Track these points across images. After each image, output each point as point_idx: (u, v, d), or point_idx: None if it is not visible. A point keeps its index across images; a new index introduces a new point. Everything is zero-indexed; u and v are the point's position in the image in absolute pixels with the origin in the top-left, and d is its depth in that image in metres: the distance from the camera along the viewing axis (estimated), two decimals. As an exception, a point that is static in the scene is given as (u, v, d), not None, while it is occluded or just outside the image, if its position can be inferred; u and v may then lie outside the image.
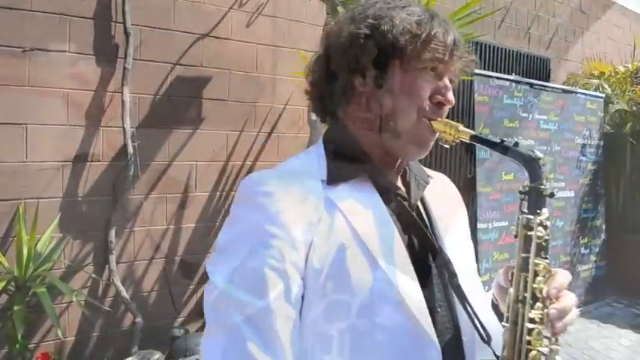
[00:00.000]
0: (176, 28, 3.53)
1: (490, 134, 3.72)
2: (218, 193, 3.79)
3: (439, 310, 0.95)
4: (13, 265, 2.81)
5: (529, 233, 0.86)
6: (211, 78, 3.70)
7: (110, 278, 3.25)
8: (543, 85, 5.21)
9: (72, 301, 3.04)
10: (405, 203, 0.99)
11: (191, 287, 3.68)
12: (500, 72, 5.06)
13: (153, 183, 3.49)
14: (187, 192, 3.64)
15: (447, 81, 0.97)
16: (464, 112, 4.82)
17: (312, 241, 0.87)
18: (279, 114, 4.06)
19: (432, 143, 0.98)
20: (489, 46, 5.61)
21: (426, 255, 0.97)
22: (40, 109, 3.07)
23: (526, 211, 0.86)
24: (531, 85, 5.00)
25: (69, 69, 3.15)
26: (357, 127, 1.00)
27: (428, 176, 1.08)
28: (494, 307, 1.00)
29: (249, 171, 3.93)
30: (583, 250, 5.63)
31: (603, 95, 6.01)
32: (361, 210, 0.92)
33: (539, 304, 0.85)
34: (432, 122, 0.95)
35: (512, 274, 0.88)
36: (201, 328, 3.64)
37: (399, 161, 1.02)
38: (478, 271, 1.16)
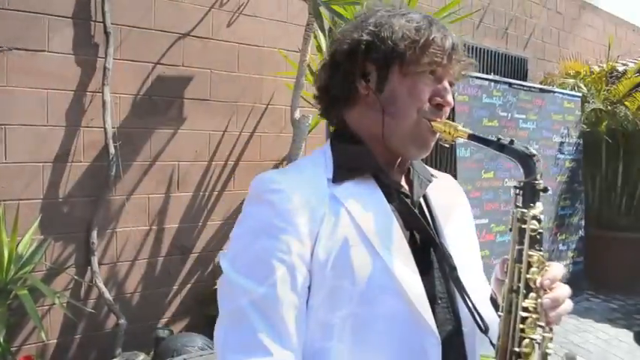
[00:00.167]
0: (157, 28, 3.51)
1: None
2: (201, 193, 3.78)
3: (440, 301, 0.99)
4: (-6, 267, 2.78)
5: (523, 226, 0.90)
6: (193, 77, 3.69)
7: (92, 280, 3.22)
8: (522, 85, 5.29)
9: (54, 304, 3.01)
10: (408, 200, 1.03)
11: (174, 288, 3.66)
12: (479, 72, 5.13)
13: (135, 183, 3.47)
14: (169, 192, 3.62)
15: (446, 84, 1.01)
16: (444, 112, 4.86)
17: (317, 235, 0.92)
18: (261, 113, 4.07)
19: (432, 143, 1.03)
20: (468, 46, 5.66)
21: (428, 249, 1.02)
22: (18, 110, 3.03)
23: (520, 205, 0.90)
24: (510, 84, 5.07)
25: (48, 69, 3.11)
26: (361, 128, 1.05)
27: (431, 175, 1.13)
28: (493, 300, 1.04)
29: (232, 171, 3.92)
30: (561, 247, 5.73)
31: (580, 94, 6.12)
32: (364, 206, 0.97)
33: (532, 294, 0.89)
34: (432, 123, 0.99)
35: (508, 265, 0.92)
36: (186, 329, 3.64)
37: (401, 160, 1.06)
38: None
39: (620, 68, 6.80)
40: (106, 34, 3.25)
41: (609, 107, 6.19)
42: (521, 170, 0.91)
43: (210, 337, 3.15)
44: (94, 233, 3.24)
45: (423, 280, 0.96)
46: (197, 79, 3.71)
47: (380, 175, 1.02)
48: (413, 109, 0.99)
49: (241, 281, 0.91)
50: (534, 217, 0.89)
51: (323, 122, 4.09)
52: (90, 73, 3.27)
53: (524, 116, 5.18)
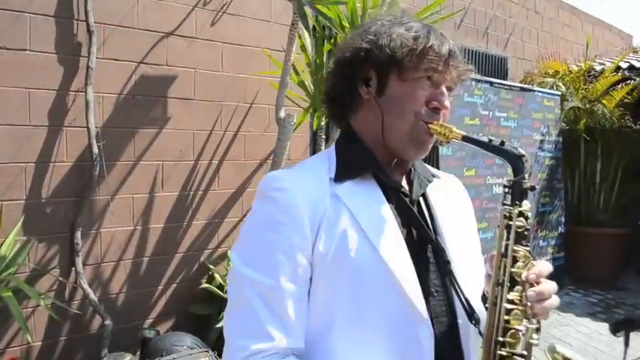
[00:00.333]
0: (140, 27, 3.49)
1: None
2: (185, 193, 3.76)
3: (436, 294, 1.04)
4: (-24, 269, 2.74)
5: (509, 222, 0.95)
6: (177, 77, 3.68)
7: (77, 280, 3.19)
8: (502, 84, 5.37)
9: (38, 306, 2.98)
10: (407, 199, 1.09)
11: (160, 288, 3.65)
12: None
13: (119, 183, 3.44)
14: (154, 192, 3.60)
15: (443, 89, 1.06)
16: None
17: (318, 230, 0.98)
18: (246, 113, 4.07)
19: (430, 144, 1.08)
20: (450, 46, 5.71)
21: (425, 245, 1.07)
22: (0, 109, 2.99)
23: (507, 202, 0.96)
24: (491, 83, 5.14)
25: (30, 68, 3.08)
26: (364, 131, 1.11)
27: (433, 175, 1.18)
28: (484, 296, 1.08)
29: (217, 170, 3.92)
30: (542, 243, 5.82)
31: (559, 93, 6.23)
32: (363, 204, 1.03)
33: (518, 288, 0.93)
34: (429, 125, 1.04)
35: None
36: (172, 328, 3.62)
37: (401, 161, 1.12)
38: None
39: (598, 67, 6.93)
40: (89, 32, 3.22)
41: (587, 105, 6.30)
42: (511, 170, 0.96)
43: (198, 336, 3.16)
44: (78, 234, 3.21)
45: (419, 274, 1.01)
46: (181, 78, 3.70)
47: (380, 175, 1.08)
48: (410, 112, 1.04)
49: (247, 272, 0.98)
50: (521, 214, 0.94)
51: (307, 121, 4.11)
52: (72, 72, 3.24)
53: (505, 114, 5.26)
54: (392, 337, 0.97)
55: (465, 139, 1.01)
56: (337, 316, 0.97)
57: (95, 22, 3.24)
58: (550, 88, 6.31)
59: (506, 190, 0.96)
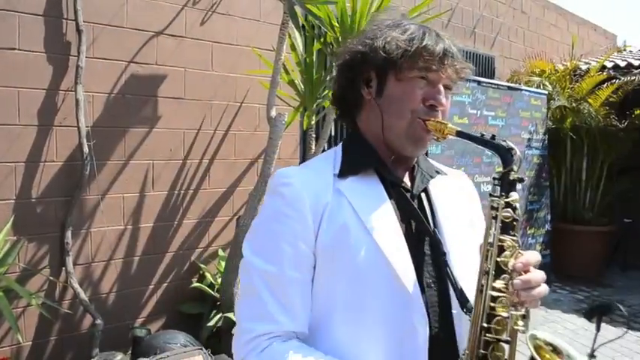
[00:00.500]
0: (129, 26, 3.49)
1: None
2: (175, 192, 3.77)
3: (432, 285, 1.09)
4: (-34, 269, 2.73)
5: (496, 213, 0.99)
6: (167, 76, 3.68)
7: (67, 280, 3.18)
8: (490, 83, 5.42)
9: (28, 305, 2.97)
10: (408, 194, 1.14)
11: (151, 287, 3.65)
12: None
13: (109, 183, 3.44)
14: (144, 191, 3.60)
15: (440, 87, 1.10)
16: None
17: (320, 222, 1.05)
18: (236, 112, 4.07)
19: (427, 140, 1.12)
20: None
21: (423, 238, 1.12)
22: (-11, 109, 2.98)
23: (495, 194, 1.00)
24: (479, 82, 5.19)
25: (19, 67, 3.07)
26: (367, 129, 1.18)
27: (437, 172, 1.22)
28: None
29: (207, 169, 3.93)
30: (530, 240, 5.89)
31: (546, 92, 6.29)
32: (364, 198, 1.09)
33: (505, 276, 0.96)
34: (426, 122, 1.08)
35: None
36: (163, 327, 3.63)
37: (403, 158, 1.16)
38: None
39: (584, 67, 7.02)
40: (79, 31, 3.22)
41: (573, 104, 6.37)
42: (501, 162, 1.00)
43: (190, 334, 3.16)
44: (69, 233, 3.21)
45: (416, 265, 1.07)
46: (171, 77, 3.70)
47: (382, 171, 1.14)
48: (407, 110, 1.09)
49: (255, 261, 1.06)
50: (508, 205, 0.98)
51: (297, 120, 4.13)
52: (62, 71, 3.23)
53: (493, 113, 5.31)
54: (389, 324, 1.03)
55: (459, 134, 1.06)
56: (338, 303, 1.04)
57: (84, 21, 3.24)
58: (537, 87, 6.38)
59: (495, 181, 1.01)
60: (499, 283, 0.96)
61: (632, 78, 6.30)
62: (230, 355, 3.15)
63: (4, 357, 2.78)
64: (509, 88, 5.71)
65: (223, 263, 3.69)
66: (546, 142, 6.27)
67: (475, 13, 6.50)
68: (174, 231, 3.77)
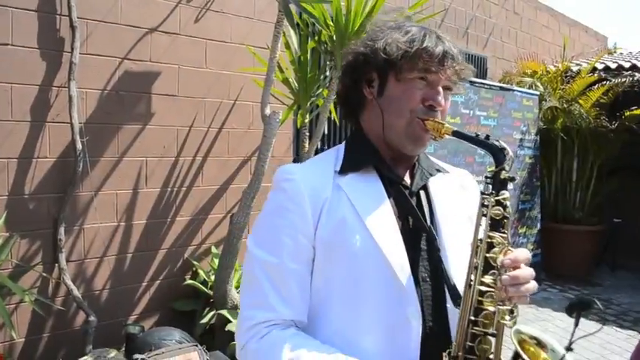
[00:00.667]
0: (123, 22, 3.48)
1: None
2: (169, 189, 3.76)
3: (427, 280, 1.12)
4: (-42, 265, 2.72)
5: (486, 210, 1.02)
6: (160, 73, 3.67)
7: (60, 277, 3.17)
8: (482, 83, 5.46)
9: (21, 302, 2.96)
10: (406, 191, 1.17)
11: (144, 284, 3.64)
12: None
13: (102, 179, 3.43)
14: (137, 188, 3.60)
15: (439, 88, 1.13)
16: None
17: (319, 216, 1.09)
18: (229, 110, 4.07)
19: (426, 139, 1.15)
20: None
21: (419, 234, 1.15)
22: (-18, 104, 2.97)
23: (485, 191, 1.03)
24: (471, 82, 5.22)
25: (12, 62, 3.05)
26: (369, 128, 1.21)
27: (438, 170, 1.25)
28: None
29: (200, 166, 3.92)
30: (521, 240, 5.93)
31: (538, 93, 6.34)
32: (362, 193, 1.13)
33: (494, 272, 0.99)
34: (424, 122, 1.12)
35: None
36: (156, 324, 3.62)
37: (403, 156, 1.19)
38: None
39: (575, 68, 7.07)
40: (72, 28, 3.20)
41: (565, 105, 6.42)
42: (493, 161, 1.03)
43: (183, 331, 3.16)
44: (62, 230, 3.20)
45: (412, 260, 1.10)
46: (165, 74, 3.69)
47: (381, 168, 1.17)
48: (406, 109, 1.13)
49: (257, 253, 1.11)
50: (499, 203, 1.01)
51: (290, 118, 4.14)
52: (55, 67, 3.22)
53: (485, 113, 5.35)
54: (383, 315, 1.07)
55: (455, 133, 1.09)
56: (335, 295, 1.08)
57: (78, 18, 3.23)
58: (528, 88, 6.43)
59: (487, 180, 1.04)
60: (488, 279, 0.99)
61: (623, 80, 6.36)
62: (224, 351, 3.16)
63: (-3, 353, 2.76)
64: (502, 88, 5.75)
65: (216, 260, 3.69)
66: (538, 142, 6.32)
67: (468, 14, 6.53)
68: (168, 228, 3.77)
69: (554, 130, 6.56)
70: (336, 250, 1.08)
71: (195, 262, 3.86)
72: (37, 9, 3.13)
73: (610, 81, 6.43)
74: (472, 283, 1.00)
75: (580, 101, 6.38)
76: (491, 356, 0.99)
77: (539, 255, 6.21)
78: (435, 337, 1.09)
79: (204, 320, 3.49)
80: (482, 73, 6.71)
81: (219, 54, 3.98)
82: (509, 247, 1.00)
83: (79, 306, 3.21)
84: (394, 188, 1.16)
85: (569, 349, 1.01)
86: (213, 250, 3.95)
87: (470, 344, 0.99)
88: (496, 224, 1.01)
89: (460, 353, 1.00)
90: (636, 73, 6.39)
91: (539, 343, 1.03)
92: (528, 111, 6.05)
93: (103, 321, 3.30)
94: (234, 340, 3.34)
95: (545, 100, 6.46)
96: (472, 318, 0.99)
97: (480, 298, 0.99)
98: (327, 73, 3.65)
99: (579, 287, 6.16)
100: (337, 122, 4.55)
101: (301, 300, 1.09)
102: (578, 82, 6.48)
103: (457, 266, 1.12)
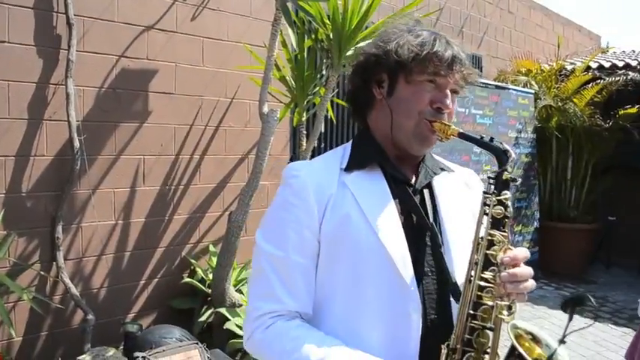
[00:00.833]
0: (120, 20, 3.47)
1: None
2: (166, 187, 3.76)
3: (430, 274, 1.15)
4: (-45, 263, 2.70)
5: (487, 209, 1.06)
6: (157, 71, 3.67)
7: (58, 275, 3.16)
8: (477, 81, 5.47)
9: (18, 300, 2.95)
10: (410, 189, 1.20)
11: (142, 282, 3.63)
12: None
13: (100, 177, 3.42)
14: (135, 186, 3.59)
15: (447, 91, 1.16)
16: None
17: (324, 212, 1.13)
18: (226, 108, 4.07)
19: (432, 140, 1.18)
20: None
21: (423, 230, 1.18)
22: (-22, 102, 2.95)
23: (487, 191, 1.07)
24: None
25: (9, 60, 3.04)
26: (376, 127, 1.24)
27: (442, 169, 1.28)
28: None
29: (198, 165, 3.92)
30: (517, 238, 5.96)
31: (533, 91, 6.37)
32: (367, 190, 1.16)
33: (494, 269, 1.02)
34: (432, 123, 1.15)
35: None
36: (154, 322, 3.62)
37: (408, 155, 1.22)
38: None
39: (569, 67, 7.11)
40: (69, 25, 3.19)
41: (559, 104, 6.46)
42: (496, 162, 1.08)
43: (183, 328, 3.15)
44: (59, 228, 3.19)
45: (415, 255, 1.13)
46: (161, 72, 3.69)
47: (386, 167, 1.20)
48: (415, 111, 1.16)
49: (264, 246, 1.15)
50: (500, 203, 1.05)
51: (287, 116, 4.14)
52: (52, 65, 3.21)
53: (481, 112, 5.37)
54: (385, 309, 1.10)
55: (461, 135, 1.13)
56: (338, 288, 1.12)
57: (75, 15, 3.22)
58: (523, 87, 6.45)
59: (490, 180, 1.07)
60: (487, 275, 1.02)
61: (617, 79, 6.39)
62: (222, 349, 3.16)
63: (-5, 352, 2.75)
64: (497, 87, 5.77)
65: (214, 259, 3.69)
66: (534, 140, 6.34)
67: (463, 13, 6.56)
68: (165, 226, 3.76)
69: (549, 128, 6.59)
70: (340, 245, 1.11)
71: (193, 261, 3.86)
72: (33, 6, 3.12)
73: (604, 80, 6.46)
74: (472, 278, 1.03)
75: (574, 100, 6.41)
76: (489, 350, 1.02)
77: (535, 253, 6.24)
78: (436, 331, 1.11)
79: (202, 318, 3.49)
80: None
81: (216, 52, 3.97)
82: (509, 246, 1.04)
83: (77, 304, 3.20)
84: (398, 186, 1.19)
85: (562, 341, 1.02)
86: (211, 248, 3.95)
87: (468, 337, 1.03)
88: (497, 223, 1.04)
89: (458, 346, 1.03)
90: (630, 72, 6.42)
91: (535, 339, 1.05)
92: (524, 109, 6.07)
93: (101, 319, 3.29)
94: (232, 338, 3.36)
95: (540, 99, 6.49)
96: (471, 312, 1.02)
97: (479, 293, 1.02)
98: (324, 72, 3.66)
99: (574, 285, 6.20)
100: (334, 120, 4.55)
101: (306, 292, 1.13)
102: (573, 80, 6.52)
103: (459, 263, 1.15)
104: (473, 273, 1.03)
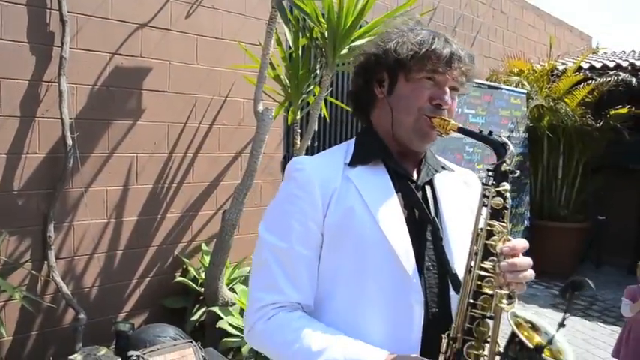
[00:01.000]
0: (114, 17, 3.45)
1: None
2: (159, 186, 3.74)
3: (431, 267, 1.18)
4: (-54, 262, 2.68)
5: (486, 200, 1.08)
6: (151, 69, 3.65)
7: (50, 274, 3.14)
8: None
9: (9, 299, 2.92)
10: (413, 185, 1.23)
11: (134, 281, 3.62)
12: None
13: (93, 175, 3.40)
14: (128, 184, 3.57)
15: (446, 88, 1.19)
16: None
17: (329, 205, 1.15)
18: (220, 106, 4.06)
19: (432, 136, 1.21)
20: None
21: (425, 225, 1.20)
22: (-30, 99, 2.92)
23: (487, 183, 1.09)
24: (460, 80, 5.25)
25: (1, 57, 3.01)
26: (378, 124, 1.27)
27: (443, 168, 1.32)
28: None
29: (191, 163, 3.91)
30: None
31: (525, 91, 6.40)
32: (370, 184, 1.18)
33: (494, 259, 1.04)
34: (431, 119, 1.18)
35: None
36: (146, 321, 3.60)
37: (410, 152, 1.25)
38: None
39: (560, 67, 7.15)
40: (63, 22, 3.17)
41: (551, 104, 6.49)
42: (495, 156, 1.10)
43: (176, 327, 3.15)
44: (51, 227, 3.17)
45: (417, 249, 1.15)
46: (155, 70, 3.67)
47: (389, 162, 1.23)
48: (414, 107, 1.19)
49: (267, 237, 1.17)
50: (499, 194, 1.07)
51: (281, 115, 4.13)
52: (45, 61, 3.18)
53: (473, 111, 5.39)
54: (387, 301, 1.12)
55: (460, 130, 1.16)
56: (341, 280, 1.14)
57: (69, 12, 3.19)
58: (515, 87, 6.48)
59: (489, 172, 1.10)
60: (487, 264, 1.05)
61: (608, 79, 6.44)
62: (215, 347, 3.16)
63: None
64: (490, 86, 5.80)
65: (207, 257, 3.68)
66: (526, 140, 6.37)
67: (456, 13, 6.57)
68: (158, 225, 3.75)
69: (540, 128, 6.63)
70: (343, 237, 1.13)
71: (185, 259, 3.85)
72: (26, 3, 3.09)
73: (595, 80, 6.51)
74: (472, 268, 1.05)
75: (566, 100, 6.46)
76: (489, 338, 1.04)
77: (526, 252, 6.25)
78: (437, 322, 1.13)
79: (195, 317, 3.49)
80: (469, 71, 6.74)
81: (210, 50, 3.96)
82: (508, 237, 1.06)
83: (68, 303, 3.18)
84: (401, 181, 1.21)
85: (562, 324, 1.04)
86: (204, 247, 3.94)
87: (469, 326, 1.04)
88: (496, 214, 1.06)
89: (459, 335, 1.05)
90: (620, 73, 6.47)
91: (534, 327, 1.07)
92: (516, 109, 6.10)
93: (92, 318, 3.27)
94: (225, 337, 3.35)
95: (532, 99, 6.52)
96: (471, 301, 1.04)
97: (479, 283, 1.04)
98: (318, 71, 3.65)
99: (564, 283, 6.22)
100: (328, 119, 4.55)
101: (309, 284, 1.15)
102: (564, 81, 6.56)
103: (460, 256, 1.17)
104: (473, 263, 1.05)
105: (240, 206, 3.33)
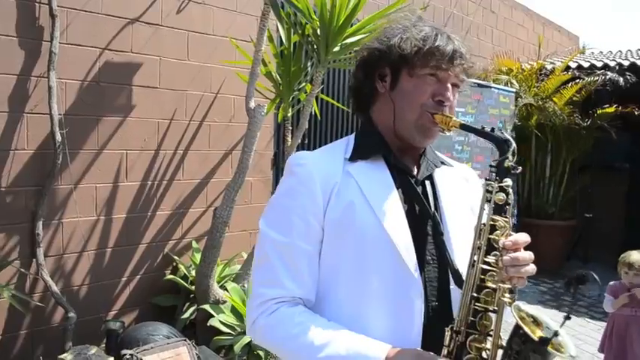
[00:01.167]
0: (104, 12, 3.40)
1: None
2: (149, 183, 3.70)
3: (431, 262, 1.19)
4: None
5: (490, 195, 1.09)
6: (142, 64, 3.61)
7: (38, 272, 3.10)
8: (461, 79, 5.50)
9: (-2, 297, 2.88)
10: (412, 180, 1.23)
11: (124, 279, 3.58)
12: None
13: (82, 172, 3.36)
14: (117, 181, 3.53)
15: (448, 85, 1.20)
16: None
17: (329, 199, 1.15)
18: (211, 102, 4.03)
19: (434, 132, 1.22)
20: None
21: (425, 219, 1.21)
22: (-44, 94, 2.87)
23: (490, 179, 1.10)
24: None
25: (-12, 51, 2.97)
26: (379, 120, 1.27)
27: (443, 163, 1.32)
28: None
29: (181, 160, 3.87)
30: (497, 234, 6.02)
31: (514, 90, 6.43)
32: (370, 179, 1.19)
33: (496, 253, 1.05)
34: (433, 115, 1.18)
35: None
36: (136, 320, 3.57)
37: (411, 147, 1.25)
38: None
39: (549, 67, 7.20)
40: (52, 16, 3.12)
41: (539, 103, 6.54)
42: (497, 152, 1.11)
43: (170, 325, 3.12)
44: (40, 224, 3.12)
45: (417, 243, 1.16)
46: (146, 66, 3.63)
47: (389, 157, 1.23)
48: (417, 103, 1.19)
49: (269, 232, 1.17)
50: (502, 189, 1.08)
51: (272, 112, 4.11)
52: (34, 56, 3.13)
53: (463, 109, 5.40)
54: (388, 295, 1.12)
55: (462, 126, 1.17)
56: (342, 275, 1.14)
57: (58, 6, 3.14)
58: (504, 85, 6.52)
59: (492, 168, 1.10)
60: (490, 259, 1.05)
61: (595, 78, 6.49)
62: (207, 346, 3.14)
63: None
64: (479, 85, 5.81)
65: (197, 255, 3.66)
66: (514, 138, 6.40)
67: (446, 11, 6.58)
68: (148, 222, 3.71)
69: (529, 126, 6.68)
70: (343, 231, 1.13)
71: (175, 257, 3.82)
72: (14, -4, 3.04)
73: (583, 79, 6.56)
74: (475, 262, 1.06)
75: (554, 99, 6.51)
76: (492, 332, 1.05)
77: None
78: (438, 316, 1.14)
79: (185, 315, 3.47)
80: (459, 69, 6.76)
81: (201, 46, 3.92)
82: (511, 232, 1.06)
83: (57, 302, 3.14)
84: (401, 176, 1.22)
85: (567, 317, 1.04)
86: (194, 244, 3.91)
87: (472, 319, 1.05)
88: (499, 209, 1.07)
89: (462, 328, 1.05)
90: (608, 72, 6.53)
91: (536, 321, 1.08)
92: (504, 108, 6.13)
93: (82, 317, 3.23)
94: (216, 335, 3.33)
95: (521, 98, 6.56)
96: (474, 295, 1.05)
97: (482, 277, 1.05)
98: (310, 69, 3.64)
99: (552, 280, 6.29)
100: (319, 117, 4.54)
101: (310, 278, 1.15)
102: (553, 80, 6.61)
103: (459, 250, 1.18)
104: (476, 257, 1.06)
105: (232, 203, 3.31)
